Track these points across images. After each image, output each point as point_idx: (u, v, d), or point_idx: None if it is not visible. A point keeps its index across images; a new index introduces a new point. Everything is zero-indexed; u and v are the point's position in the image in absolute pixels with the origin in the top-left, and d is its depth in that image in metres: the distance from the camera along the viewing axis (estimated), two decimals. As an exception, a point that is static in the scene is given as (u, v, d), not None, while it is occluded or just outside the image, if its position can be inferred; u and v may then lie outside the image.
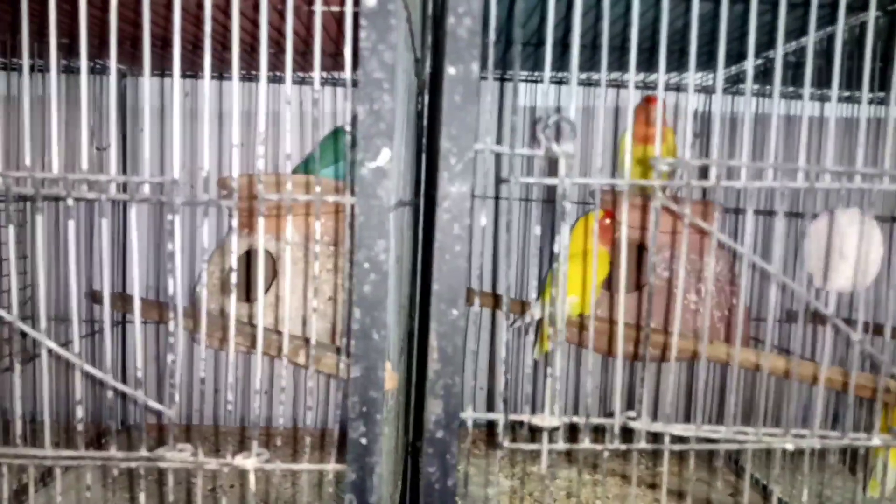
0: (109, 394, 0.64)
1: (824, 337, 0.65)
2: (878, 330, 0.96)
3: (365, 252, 0.60)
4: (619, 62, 1.34)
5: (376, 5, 0.57)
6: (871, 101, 1.18)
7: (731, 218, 1.49)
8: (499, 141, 1.42)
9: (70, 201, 0.59)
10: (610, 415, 0.65)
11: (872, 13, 0.64)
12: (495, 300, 1.48)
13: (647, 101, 1.31)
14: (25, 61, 0.62)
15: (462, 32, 0.59)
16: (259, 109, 0.60)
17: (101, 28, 0.92)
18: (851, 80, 0.85)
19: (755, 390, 1.33)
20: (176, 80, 0.60)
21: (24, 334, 0.62)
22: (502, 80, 1.49)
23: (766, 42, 1.13)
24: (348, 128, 0.63)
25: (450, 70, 0.60)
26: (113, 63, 0.62)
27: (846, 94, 1.28)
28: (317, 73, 0.60)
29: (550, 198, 1.26)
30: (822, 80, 0.92)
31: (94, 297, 1.46)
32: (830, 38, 1.06)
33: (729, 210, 1.48)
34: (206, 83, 0.61)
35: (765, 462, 1.41)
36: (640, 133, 1.28)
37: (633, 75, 0.60)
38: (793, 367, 0.64)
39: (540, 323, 1.20)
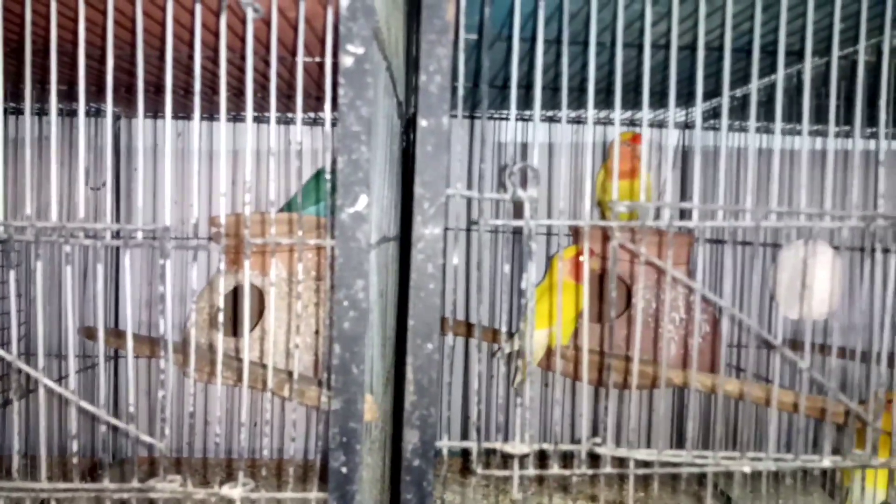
0: (103, 428, 0.67)
1: (804, 363, 0.69)
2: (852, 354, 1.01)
3: (344, 291, 0.64)
4: (578, 101, 1.41)
5: (353, 65, 0.62)
6: (837, 135, 1.24)
7: (712, 248, 1.54)
8: (469, 175, 1.47)
9: (67, 248, 0.63)
10: (578, 441, 0.69)
11: (835, 57, 0.70)
12: (468, 329, 1.52)
13: (631, 140, 1.37)
14: (28, 110, 0.66)
15: (433, 89, 0.64)
16: (246, 162, 0.65)
17: (99, 76, 0.97)
18: (821, 115, 0.90)
19: (730, 415, 1.37)
20: (168, 137, 0.65)
21: (20, 371, 0.66)
22: (472, 118, 1.55)
23: (742, 77, 1.20)
24: (328, 171, 0.67)
25: (422, 122, 0.65)
26: (109, 113, 0.67)
27: (816, 128, 1.35)
28: (298, 125, 0.64)
29: (518, 230, 1.31)
30: (793, 115, 0.98)
31: (86, 334, 1.49)
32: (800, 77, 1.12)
33: (712, 241, 1.53)
34: (196, 127, 0.65)
35: (749, 485, 1.44)
36: (623, 169, 1.34)
37: (591, 115, 0.66)
38: (746, 392, 0.68)
39: (512, 355, 1.25)
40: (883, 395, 0.73)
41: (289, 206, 1.41)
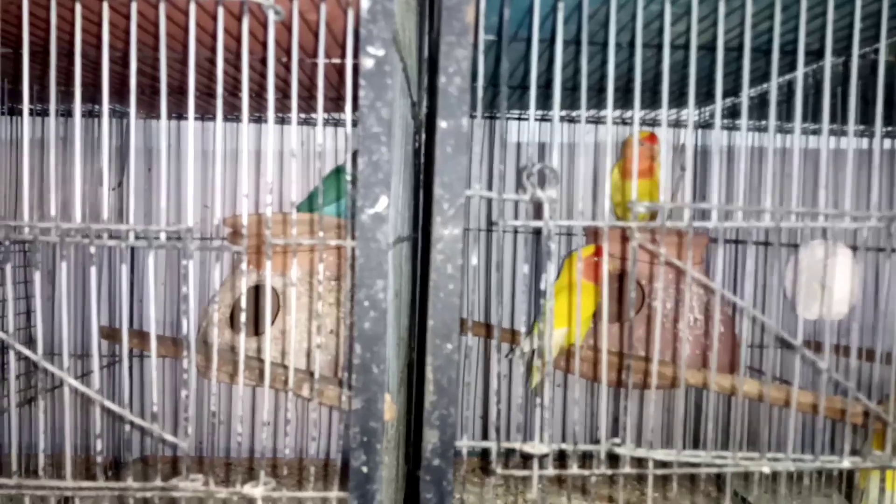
0: (125, 427, 0.68)
1: (824, 363, 0.69)
2: (870, 355, 1.00)
3: (365, 291, 0.64)
4: (596, 101, 1.41)
5: (374, 67, 0.62)
6: (856, 134, 1.23)
7: (731, 248, 1.53)
8: (490, 175, 1.48)
9: (92, 249, 0.64)
10: (597, 441, 0.69)
11: (828, 61, 0.70)
12: (487, 329, 1.53)
13: (650, 139, 1.38)
14: (53, 112, 0.67)
15: (452, 90, 0.64)
16: (267, 163, 0.65)
17: (121, 79, 0.98)
18: (841, 115, 0.90)
19: (748, 416, 1.36)
20: (191, 138, 0.66)
21: (45, 370, 0.67)
22: (491, 118, 1.56)
23: (761, 77, 1.19)
24: (349, 168, 0.68)
25: (442, 124, 0.65)
26: (132, 115, 0.68)
27: (834, 126, 1.34)
28: (320, 127, 0.65)
29: (538, 230, 1.31)
30: (812, 114, 0.98)
31: (105, 334, 1.50)
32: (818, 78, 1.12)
33: (729, 241, 1.52)
34: (220, 128, 0.66)
35: (766, 487, 1.44)
36: (642, 168, 1.34)
37: (610, 115, 0.66)
38: (766, 392, 0.68)
39: (529, 354, 1.25)
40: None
41: (309, 201, 1.42)
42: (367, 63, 0.62)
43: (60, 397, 0.67)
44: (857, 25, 0.71)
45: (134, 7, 0.65)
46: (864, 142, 1.30)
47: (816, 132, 0.73)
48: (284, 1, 0.67)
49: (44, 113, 1.27)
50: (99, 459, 0.69)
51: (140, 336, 1.38)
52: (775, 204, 0.68)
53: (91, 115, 1.49)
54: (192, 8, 0.65)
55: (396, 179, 0.82)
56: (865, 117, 0.76)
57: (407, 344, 1.08)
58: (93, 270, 0.65)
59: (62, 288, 0.66)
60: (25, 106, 0.67)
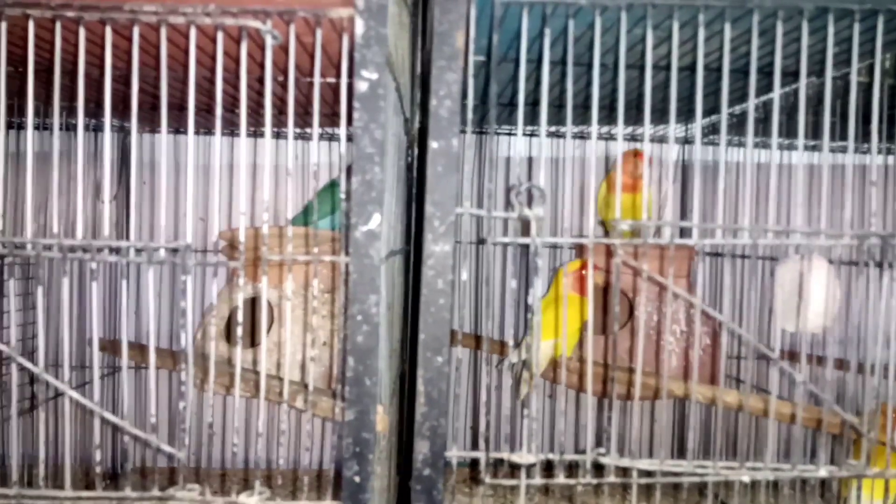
0: (125, 438, 0.70)
1: (800, 375, 0.71)
2: (846, 366, 1.03)
3: (358, 306, 0.67)
4: (582, 118, 1.44)
5: (368, 90, 0.65)
6: (832, 150, 1.27)
7: (712, 261, 1.57)
8: (479, 190, 1.50)
9: (93, 265, 0.66)
10: (582, 451, 0.71)
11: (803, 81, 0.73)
12: (477, 341, 1.55)
13: (634, 155, 1.41)
14: (56, 130, 0.69)
15: (443, 112, 0.67)
16: (264, 183, 0.68)
17: (124, 96, 1.00)
18: (817, 132, 0.93)
19: (729, 426, 1.39)
20: (190, 155, 0.68)
21: (47, 383, 0.69)
22: (481, 133, 1.59)
23: (740, 97, 1.22)
24: (343, 183, 0.70)
25: (433, 144, 0.68)
26: (133, 132, 0.70)
27: (812, 143, 1.37)
28: (315, 144, 0.67)
29: (526, 246, 1.33)
30: (789, 131, 1.01)
31: (104, 347, 1.51)
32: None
33: (712, 254, 1.55)
34: (217, 144, 0.68)
35: (748, 495, 1.46)
36: (626, 183, 1.37)
37: (594, 132, 0.69)
38: (745, 403, 0.70)
39: (517, 366, 1.27)
40: (889, 408, 0.75)
41: (304, 215, 1.44)
42: (362, 86, 0.65)
43: (60, 408, 0.69)
44: (831, 49, 0.74)
45: (136, 31, 0.67)
46: (840, 157, 1.34)
47: (793, 148, 0.77)
48: (281, 24, 0.69)
49: (47, 128, 1.29)
50: (98, 469, 0.71)
51: (139, 349, 1.40)
52: (754, 220, 0.70)
53: (92, 129, 1.50)
54: (193, 32, 0.67)
55: (389, 196, 0.84)
56: (843, 134, 0.79)
57: (399, 355, 1.10)
58: (94, 286, 0.67)
59: (63, 302, 0.68)
60: (30, 123, 0.70)
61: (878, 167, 0.76)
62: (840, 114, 0.84)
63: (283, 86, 1.01)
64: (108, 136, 0.70)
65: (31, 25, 0.67)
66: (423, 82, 1.10)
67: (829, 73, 0.76)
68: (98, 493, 0.69)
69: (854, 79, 0.75)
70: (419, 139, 1.19)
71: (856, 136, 0.77)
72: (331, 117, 1.36)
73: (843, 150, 0.76)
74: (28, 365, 0.69)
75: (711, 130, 1.52)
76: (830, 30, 0.72)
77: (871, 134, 0.76)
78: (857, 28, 0.73)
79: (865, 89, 0.83)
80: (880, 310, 0.73)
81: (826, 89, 0.76)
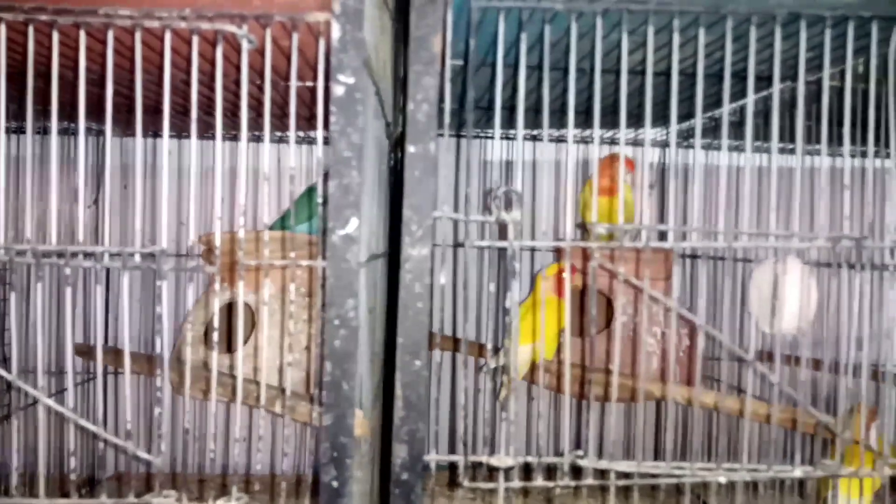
0: (101, 445, 0.69)
1: (775, 376, 0.72)
2: (819, 365, 1.05)
3: (335, 310, 0.66)
4: (559, 121, 1.44)
5: (344, 94, 0.65)
6: (807, 153, 1.29)
7: (689, 263, 1.58)
8: (456, 194, 1.50)
9: (68, 270, 0.66)
10: (561, 454, 0.72)
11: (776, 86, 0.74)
12: (455, 344, 1.55)
13: (612, 158, 1.42)
14: (29, 132, 0.68)
15: (420, 117, 0.67)
16: (239, 187, 0.67)
17: (98, 99, 0.99)
18: (791, 135, 0.94)
19: (706, 426, 1.40)
20: (165, 159, 0.67)
21: (19, 389, 0.68)
22: (458, 136, 1.59)
23: (715, 102, 1.24)
24: (320, 188, 0.70)
25: (410, 148, 0.68)
26: (108, 135, 0.69)
27: (785, 146, 1.39)
28: (291, 148, 0.67)
29: (503, 249, 1.34)
30: (763, 135, 1.02)
31: (80, 352, 1.49)
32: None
33: (688, 256, 1.57)
34: (194, 147, 0.68)
35: (726, 494, 1.47)
36: (604, 186, 1.38)
37: (570, 137, 0.69)
38: (721, 404, 0.71)
39: (497, 371, 1.28)
40: (863, 408, 0.76)
41: (282, 221, 1.43)
42: (338, 90, 0.65)
43: (34, 416, 0.68)
44: (803, 55, 0.75)
45: (111, 35, 0.67)
46: (813, 160, 1.36)
47: (767, 150, 0.78)
48: (257, 28, 0.69)
49: (19, 131, 1.27)
50: (73, 477, 0.70)
51: (115, 354, 1.38)
52: (728, 224, 0.71)
53: (67, 132, 1.49)
54: (168, 36, 0.67)
55: (368, 200, 0.84)
56: (817, 137, 0.81)
57: (382, 360, 1.10)
58: (68, 291, 0.66)
59: (37, 308, 0.67)
60: (1, 127, 0.69)
61: (849, 170, 0.77)
62: (814, 117, 0.86)
63: (261, 89, 1.00)
64: (82, 140, 0.69)
65: (2, 29, 0.66)
66: (404, 86, 1.10)
67: (802, 77, 0.77)
68: (74, 500, 0.69)
69: (826, 83, 0.77)
70: (401, 143, 1.18)
71: (828, 139, 0.78)
72: (308, 120, 1.36)
73: (817, 153, 0.78)
74: (2, 372, 0.68)
75: (687, 134, 1.54)
76: (803, 35, 0.73)
77: (843, 137, 0.77)
78: (828, 34, 0.74)
79: (837, 94, 0.84)
80: (853, 311, 0.74)
81: (799, 94, 0.77)
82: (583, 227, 1.55)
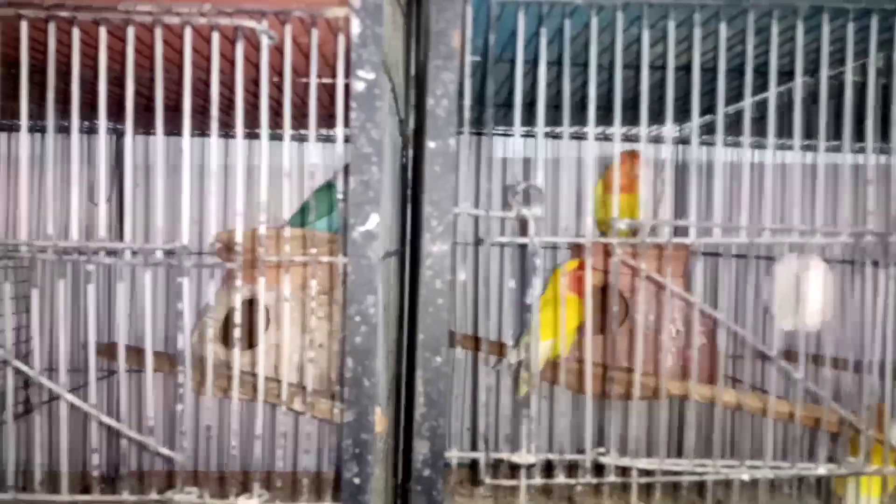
0: (123, 441, 0.69)
1: (799, 374, 0.71)
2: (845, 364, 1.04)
3: (356, 307, 0.66)
4: (579, 118, 1.43)
5: (364, 90, 0.65)
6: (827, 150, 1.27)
7: (709, 260, 1.57)
8: (476, 191, 1.50)
9: (90, 267, 0.66)
10: (582, 451, 0.71)
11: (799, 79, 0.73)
12: (475, 342, 1.55)
13: (630, 155, 1.41)
14: (51, 129, 0.69)
15: (440, 112, 0.67)
16: (261, 182, 0.67)
17: (119, 98, 0.99)
18: (812, 131, 0.93)
19: (728, 425, 1.39)
20: (186, 155, 0.68)
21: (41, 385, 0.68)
22: (478, 134, 1.58)
23: (735, 96, 1.23)
24: (340, 183, 0.70)
25: (430, 144, 0.67)
26: (129, 133, 0.70)
27: (807, 143, 1.38)
28: (311, 145, 0.67)
29: (523, 245, 1.34)
30: (785, 131, 1.01)
31: (101, 352, 1.50)
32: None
33: (708, 254, 1.55)
34: (214, 145, 0.68)
35: (746, 494, 1.46)
36: (623, 183, 1.37)
37: (591, 132, 0.69)
38: (744, 402, 0.70)
39: (517, 367, 1.27)
40: (886, 406, 0.75)
41: (301, 214, 1.43)
42: (358, 86, 0.65)
43: (56, 412, 0.68)
44: (826, 49, 0.74)
45: (130, 31, 0.67)
46: (837, 157, 1.35)
47: (789, 147, 0.77)
48: (277, 25, 0.69)
49: (42, 130, 1.28)
50: (95, 473, 0.70)
51: (135, 352, 1.39)
52: (751, 219, 0.70)
53: (89, 131, 1.50)
54: (188, 32, 0.67)
55: (386, 196, 0.84)
56: (837, 133, 0.80)
57: (395, 357, 1.10)
58: (90, 288, 0.67)
59: (60, 305, 0.67)
60: (24, 125, 0.69)
61: (873, 166, 0.76)
62: (835, 113, 0.85)
63: (279, 86, 1.00)
64: (102, 138, 0.69)
65: (24, 26, 0.66)
66: (417, 83, 1.10)
67: (825, 72, 0.76)
68: (95, 496, 0.69)
69: (849, 78, 0.76)
70: (414, 140, 1.18)
71: (850, 134, 0.77)
72: (327, 119, 1.36)
73: (839, 149, 0.77)
74: (24, 368, 0.69)
75: (707, 130, 1.52)
76: (825, 29, 0.73)
77: (867, 132, 0.76)
78: (851, 27, 0.73)
79: (860, 88, 0.83)
80: (877, 307, 0.73)
81: (821, 88, 0.76)
82: (599, 225, 1.54)
